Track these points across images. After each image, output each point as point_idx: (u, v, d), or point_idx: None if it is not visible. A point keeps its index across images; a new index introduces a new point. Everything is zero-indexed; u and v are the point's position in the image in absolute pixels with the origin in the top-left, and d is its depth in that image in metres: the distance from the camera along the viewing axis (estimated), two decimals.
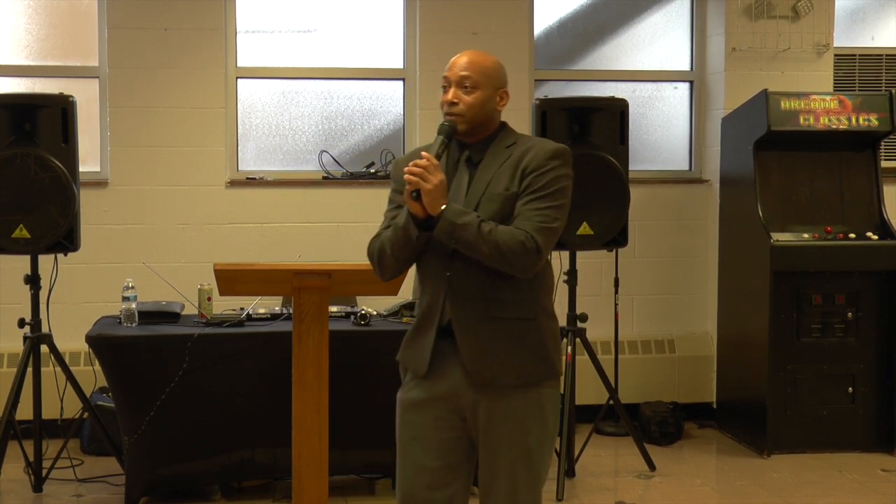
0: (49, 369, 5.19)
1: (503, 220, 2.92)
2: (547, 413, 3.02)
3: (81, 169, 5.15)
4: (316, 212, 6.23)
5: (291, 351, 3.62)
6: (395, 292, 3.72)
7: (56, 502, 4.97)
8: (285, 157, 6.38)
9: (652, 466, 5.53)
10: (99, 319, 5.11)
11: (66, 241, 4.95)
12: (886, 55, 6.76)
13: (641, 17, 6.70)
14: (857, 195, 6.00)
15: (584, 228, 5.24)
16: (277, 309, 5.11)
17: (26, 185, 4.84)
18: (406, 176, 2.88)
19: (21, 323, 5.02)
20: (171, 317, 5.00)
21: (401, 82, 6.42)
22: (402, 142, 6.42)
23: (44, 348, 5.06)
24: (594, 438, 5.72)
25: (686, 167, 6.76)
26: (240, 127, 6.30)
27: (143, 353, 4.75)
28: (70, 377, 5.06)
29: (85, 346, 4.90)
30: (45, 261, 5.11)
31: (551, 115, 5.36)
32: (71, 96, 5.04)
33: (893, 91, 5.99)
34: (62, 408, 5.31)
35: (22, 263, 5.07)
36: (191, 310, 5.12)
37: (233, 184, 6.21)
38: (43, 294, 5.06)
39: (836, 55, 6.57)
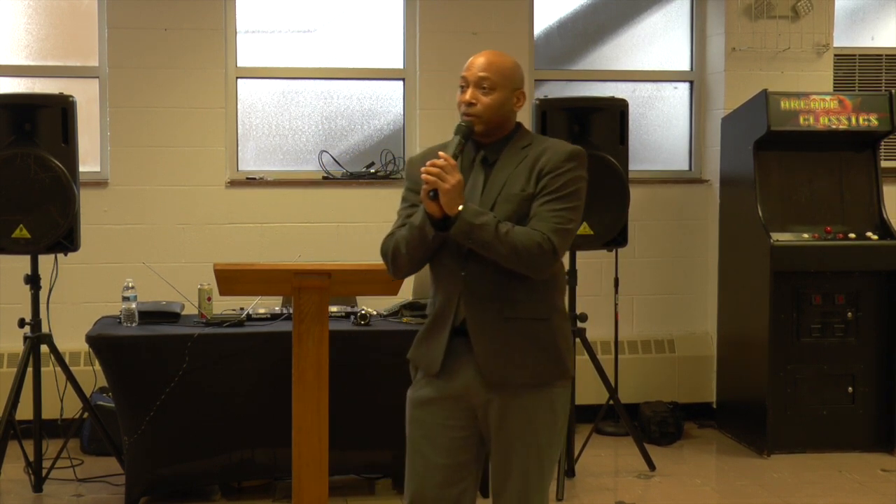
0: (49, 369, 5.20)
1: (519, 221, 2.93)
2: (557, 413, 3.04)
3: (81, 169, 5.15)
4: (316, 212, 6.23)
5: (291, 351, 3.62)
6: (395, 292, 3.72)
7: (56, 502, 4.97)
8: (285, 157, 6.38)
9: (652, 466, 5.53)
10: (99, 319, 5.11)
11: (66, 241, 4.95)
12: (886, 55, 6.76)
13: (641, 17, 6.70)
14: (857, 195, 6.00)
15: (584, 228, 5.23)
16: (277, 309, 5.11)
17: (26, 185, 4.84)
18: (423, 175, 2.88)
19: (21, 323, 5.02)
20: (171, 317, 5.00)
21: (401, 82, 6.42)
22: (402, 142, 6.42)
23: (44, 348, 5.06)
24: (594, 438, 5.72)
25: (686, 167, 6.76)
26: (240, 127, 6.30)
27: (143, 353, 4.75)
28: (70, 377, 5.06)
29: (85, 346, 4.90)
30: (45, 261, 5.10)
31: (551, 115, 5.36)
32: (71, 96, 5.04)
33: (893, 91, 5.99)
34: (62, 408, 5.31)
35: (22, 263, 5.07)
36: (191, 310, 5.12)
37: (233, 184, 6.21)
38: (43, 294, 5.06)
39: (836, 55, 6.57)
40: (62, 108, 4.97)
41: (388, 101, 6.45)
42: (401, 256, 3.03)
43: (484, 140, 3.04)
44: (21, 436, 5.07)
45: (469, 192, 2.97)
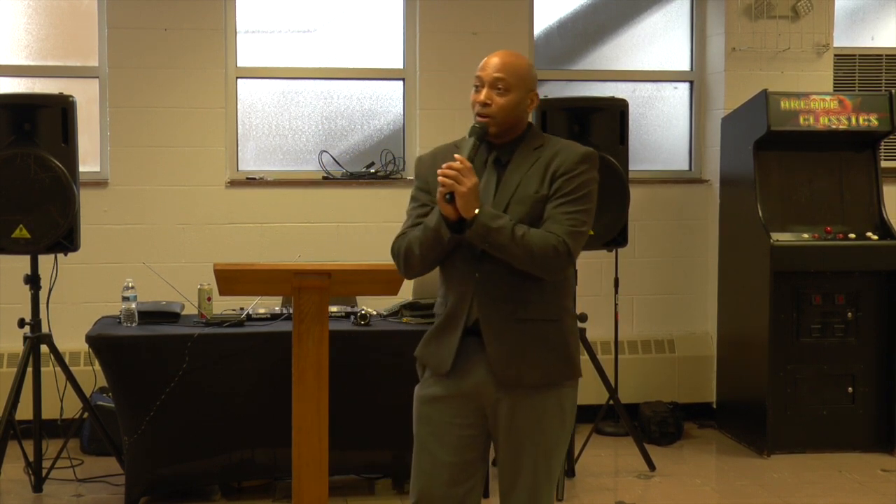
0: (49, 369, 5.20)
1: (532, 223, 2.94)
2: (566, 412, 3.06)
3: (81, 169, 5.15)
4: (316, 212, 6.23)
5: (291, 351, 3.62)
6: (395, 292, 3.72)
7: (56, 502, 4.97)
8: (285, 157, 6.38)
9: (652, 466, 5.53)
10: (99, 319, 5.11)
11: (66, 241, 4.95)
12: (886, 55, 6.76)
13: (641, 17, 6.70)
14: (857, 195, 6.00)
15: None
16: (277, 309, 5.11)
17: (26, 185, 4.84)
18: (440, 178, 2.88)
19: (21, 323, 5.02)
20: (171, 317, 5.00)
21: (401, 82, 6.42)
22: (402, 142, 6.42)
23: (44, 348, 5.06)
24: (594, 438, 5.72)
25: (686, 167, 6.76)
26: (240, 127, 6.30)
27: (143, 353, 4.75)
28: (70, 377, 5.06)
29: (85, 346, 4.90)
30: (45, 261, 5.10)
31: (551, 115, 5.36)
32: (71, 96, 5.04)
33: (893, 91, 5.99)
34: (62, 408, 5.31)
35: (22, 263, 5.07)
36: (191, 310, 5.12)
37: (233, 184, 6.21)
38: (43, 294, 5.06)
39: (835, 55, 6.57)
40: (62, 108, 4.97)
41: (388, 101, 6.45)
42: (414, 257, 3.03)
43: (496, 140, 3.04)
44: (21, 436, 5.07)
45: (482, 193, 2.96)
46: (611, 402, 5.60)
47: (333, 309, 4.88)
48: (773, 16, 6.41)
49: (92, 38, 6.14)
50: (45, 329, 5.06)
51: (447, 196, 2.88)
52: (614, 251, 5.80)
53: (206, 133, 6.16)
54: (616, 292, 5.93)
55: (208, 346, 4.74)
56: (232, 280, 3.70)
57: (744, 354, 6.09)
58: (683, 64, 6.74)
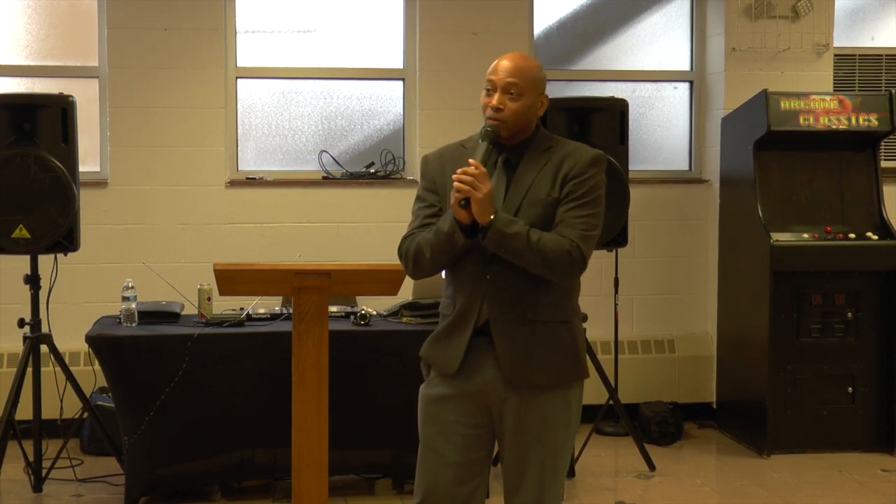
0: (49, 369, 5.19)
1: (544, 226, 2.95)
2: (572, 412, 3.08)
3: (81, 169, 5.15)
4: (316, 212, 6.23)
5: (291, 351, 3.62)
6: (395, 292, 3.72)
7: (56, 502, 4.97)
8: (285, 157, 6.38)
9: (652, 466, 5.53)
10: (99, 319, 5.11)
11: (66, 241, 4.95)
12: (886, 55, 6.76)
13: (641, 17, 6.70)
14: (857, 195, 6.00)
15: None
16: (277, 309, 5.11)
17: (26, 185, 4.84)
18: (456, 184, 2.88)
19: (21, 323, 5.02)
20: (170, 317, 5.00)
21: (401, 82, 6.42)
22: (401, 142, 6.42)
23: (44, 348, 5.06)
24: (594, 438, 5.72)
25: (686, 167, 6.76)
26: (240, 127, 6.30)
27: (143, 353, 4.75)
28: (70, 377, 5.06)
29: (85, 346, 4.90)
30: (45, 261, 5.10)
31: (551, 115, 5.33)
32: (71, 96, 5.04)
33: (893, 91, 5.99)
34: (62, 408, 5.30)
35: (22, 263, 5.07)
36: (191, 310, 5.12)
37: (233, 184, 6.21)
38: (43, 294, 5.06)
39: (835, 55, 6.57)
40: (62, 108, 4.97)
41: (388, 101, 6.45)
42: (424, 259, 3.03)
43: (506, 142, 3.04)
44: (21, 436, 5.07)
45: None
46: (611, 402, 5.60)
47: (333, 309, 4.88)
48: (773, 16, 6.41)
49: (92, 38, 6.14)
50: (45, 329, 5.05)
51: (462, 202, 2.88)
52: (614, 251, 5.80)
53: (206, 133, 6.16)
54: (616, 292, 5.93)
55: (208, 346, 4.74)
56: (232, 280, 3.70)
57: (744, 354, 6.09)
58: (683, 64, 6.74)
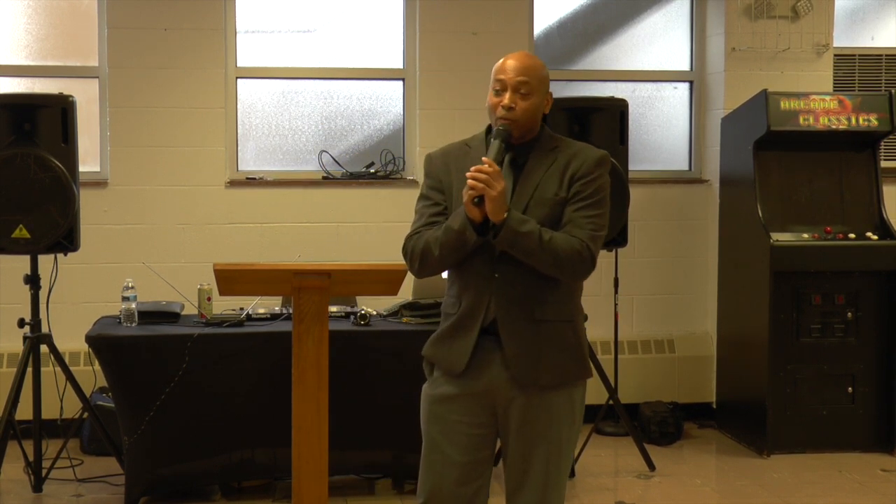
0: (49, 369, 5.19)
1: (551, 225, 2.96)
2: (576, 411, 3.09)
3: (81, 169, 5.15)
4: (316, 212, 6.23)
5: (291, 351, 3.62)
6: (395, 292, 3.71)
7: (56, 502, 4.97)
8: (285, 157, 6.38)
9: (652, 466, 5.53)
10: (99, 319, 5.11)
11: (66, 241, 4.95)
12: (886, 55, 6.76)
13: (641, 17, 6.70)
14: (857, 195, 6.00)
15: None
16: (277, 309, 5.11)
17: (26, 185, 4.84)
18: (470, 182, 2.88)
19: (21, 323, 5.02)
20: (170, 317, 5.00)
21: (401, 82, 6.42)
22: (401, 142, 6.42)
23: (43, 348, 5.06)
24: (594, 438, 5.72)
25: (686, 167, 6.76)
26: (240, 127, 6.30)
27: (143, 353, 4.75)
28: (70, 377, 5.06)
29: (85, 346, 4.90)
30: (45, 261, 5.10)
31: (551, 115, 5.20)
32: (71, 96, 5.04)
33: (893, 91, 5.99)
34: (62, 408, 5.30)
35: (22, 263, 5.07)
36: (191, 310, 5.12)
37: (233, 184, 6.21)
38: (43, 294, 5.06)
39: (835, 55, 6.57)
40: (62, 108, 4.97)
41: (387, 101, 6.45)
42: (432, 258, 3.02)
43: (514, 142, 3.04)
44: (21, 436, 5.07)
45: None
46: (611, 402, 5.60)
47: (333, 309, 4.88)
48: (773, 16, 6.41)
49: (92, 38, 6.14)
50: (45, 329, 5.06)
51: (475, 199, 2.88)
52: (614, 251, 5.80)
53: (206, 133, 6.16)
54: (616, 292, 5.93)
55: (208, 346, 4.74)
56: (232, 280, 3.69)
57: (744, 354, 6.09)
58: (683, 64, 6.74)
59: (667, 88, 6.74)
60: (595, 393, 5.73)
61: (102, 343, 4.73)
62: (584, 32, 6.67)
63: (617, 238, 5.45)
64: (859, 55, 6.73)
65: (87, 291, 5.95)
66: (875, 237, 5.88)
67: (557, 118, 5.33)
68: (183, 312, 5.08)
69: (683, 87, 6.75)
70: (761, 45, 6.42)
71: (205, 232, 6.15)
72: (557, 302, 3.01)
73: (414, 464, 3.18)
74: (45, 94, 5.42)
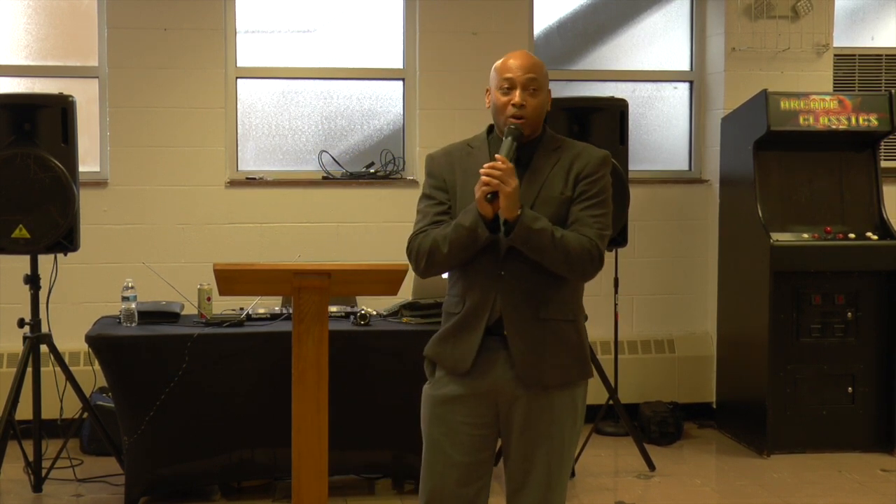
0: (49, 369, 5.19)
1: (558, 224, 2.96)
2: (578, 411, 3.10)
3: (81, 169, 5.15)
4: (316, 212, 6.23)
5: (291, 351, 3.62)
6: (395, 292, 3.71)
7: (56, 502, 4.97)
8: (285, 157, 6.38)
9: (652, 466, 5.53)
10: (99, 319, 5.11)
11: (66, 241, 4.95)
12: (886, 55, 6.76)
13: (641, 17, 6.70)
14: (857, 195, 6.00)
15: None
16: (277, 309, 5.11)
17: (26, 185, 4.84)
18: (484, 178, 2.88)
19: (21, 323, 5.02)
20: (170, 317, 5.00)
21: (401, 82, 6.42)
22: (401, 142, 6.42)
23: (43, 348, 5.06)
24: (594, 438, 5.72)
25: (686, 167, 6.76)
26: (240, 127, 6.30)
27: (143, 353, 4.75)
28: (70, 377, 5.06)
29: (85, 346, 4.90)
30: (45, 261, 5.10)
31: (551, 115, 5.20)
32: (71, 96, 5.04)
33: (893, 91, 5.99)
34: (62, 408, 5.30)
35: (22, 263, 5.07)
36: (191, 310, 5.12)
37: (233, 184, 6.21)
38: (43, 294, 5.06)
39: (835, 55, 6.57)
40: (62, 108, 4.97)
41: (387, 101, 6.45)
42: (440, 255, 3.01)
43: (523, 139, 3.04)
44: (21, 436, 5.07)
45: None
46: (611, 402, 5.60)
47: (333, 309, 4.88)
48: (772, 16, 6.41)
49: (92, 38, 6.14)
50: (44, 329, 5.06)
51: (489, 196, 2.88)
52: (614, 251, 5.80)
53: (206, 133, 6.16)
54: (616, 292, 5.93)
55: (208, 346, 4.74)
56: (232, 280, 3.69)
57: (744, 354, 6.09)
58: (683, 64, 6.74)
59: (667, 88, 6.74)
60: (595, 393, 5.71)
61: (102, 343, 4.73)
62: (584, 32, 6.67)
63: (617, 238, 5.45)
64: (859, 55, 6.73)
65: (87, 291, 5.95)
66: (875, 237, 5.88)
67: (557, 118, 5.33)
68: (183, 312, 5.08)
69: (683, 87, 6.75)
70: (761, 45, 6.42)
71: (205, 232, 6.15)
72: (562, 301, 3.02)
73: (414, 464, 3.18)
74: (45, 94, 5.42)
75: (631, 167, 5.64)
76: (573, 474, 5.35)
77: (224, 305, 5.15)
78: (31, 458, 5.06)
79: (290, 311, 4.18)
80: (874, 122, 5.91)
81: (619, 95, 5.77)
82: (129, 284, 4.96)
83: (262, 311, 5.03)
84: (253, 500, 4.99)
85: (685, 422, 6.26)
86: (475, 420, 3.05)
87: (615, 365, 6.09)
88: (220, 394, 4.79)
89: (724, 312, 6.34)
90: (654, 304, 6.60)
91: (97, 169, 6.13)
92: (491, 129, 3.15)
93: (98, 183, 6.05)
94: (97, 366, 4.95)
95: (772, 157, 5.98)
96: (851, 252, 5.85)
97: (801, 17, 6.43)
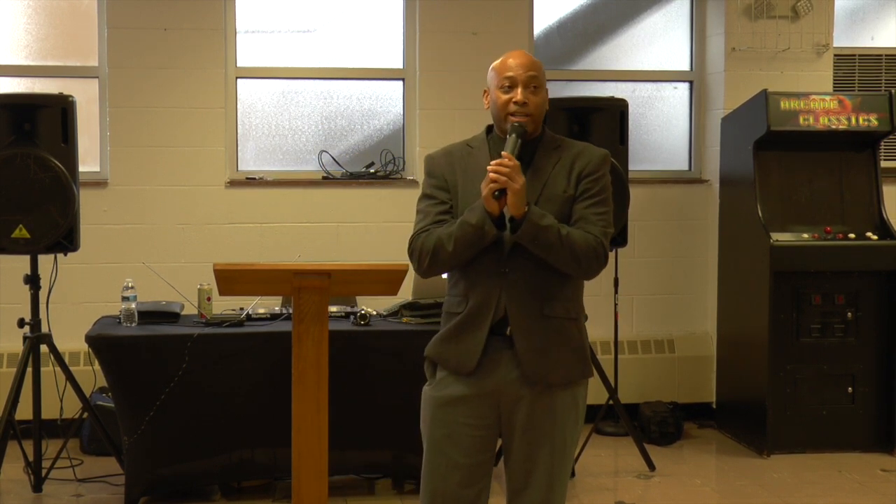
0: (49, 369, 5.19)
1: (561, 222, 2.96)
2: (579, 410, 3.10)
3: (81, 169, 5.15)
4: (316, 212, 6.23)
5: (291, 351, 3.62)
6: (395, 292, 3.71)
7: (56, 502, 4.97)
8: (285, 157, 6.38)
9: (652, 466, 5.54)
10: (99, 319, 5.11)
11: (66, 241, 4.95)
12: (886, 55, 6.76)
13: (641, 17, 6.70)
14: (857, 195, 6.00)
15: None
16: (277, 309, 5.11)
17: (26, 185, 4.84)
18: (492, 175, 2.88)
19: (21, 323, 5.02)
20: (170, 317, 5.00)
21: (400, 82, 6.42)
22: (401, 142, 6.42)
23: (43, 348, 5.06)
24: (594, 438, 5.72)
25: (686, 167, 6.76)
26: (240, 127, 6.30)
27: (143, 353, 4.75)
28: (70, 377, 5.06)
29: (85, 346, 4.90)
30: (45, 261, 5.10)
31: (551, 115, 5.25)
32: (71, 96, 5.04)
33: (893, 91, 5.99)
34: (62, 408, 5.30)
35: (22, 263, 5.07)
36: (191, 310, 5.12)
37: (233, 184, 6.21)
38: (43, 294, 5.06)
39: (835, 55, 6.57)
40: (62, 108, 4.97)
41: (387, 101, 6.45)
42: (444, 254, 3.00)
43: (527, 137, 3.05)
44: (21, 436, 5.07)
45: None
46: (611, 402, 5.60)
47: (333, 309, 4.88)
48: (772, 16, 6.41)
49: (92, 38, 6.14)
50: (44, 329, 5.06)
51: (496, 193, 2.88)
52: (614, 251, 5.80)
53: (206, 133, 6.16)
54: (616, 292, 5.93)
55: (208, 346, 4.74)
56: (232, 280, 3.69)
57: (744, 354, 6.09)
58: (683, 64, 6.74)
59: (667, 88, 6.74)
60: (595, 393, 5.70)
61: (102, 343, 4.73)
62: (584, 32, 6.67)
63: (617, 238, 5.45)
64: (859, 55, 6.73)
65: (87, 291, 5.95)
66: (875, 237, 5.88)
67: (557, 118, 5.33)
68: (183, 312, 5.08)
69: (683, 87, 6.75)
70: (761, 45, 6.42)
71: (205, 232, 6.15)
72: (565, 299, 3.02)
73: (414, 464, 3.18)
74: (45, 94, 5.42)
75: (631, 167, 5.64)
76: (573, 474, 5.35)
77: (224, 305, 5.15)
78: (31, 458, 5.06)
79: (290, 311, 4.18)
80: (874, 122, 5.91)
81: (619, 95, 5.77)
82: (129, 284, 4.96)
83: (262, 311, 5.03)
84: (253, 500, 4.99)
85: (685, 422, 6.26)
86: (477, 421, 3.05)
87: (615, 365, 6.09)
88: (220, 394, 4.79)
89: (724, 312, 6.34)
90: (654, 304, 6.61)
91: (97, 169, 6.13)
92: (490, 129, 3.15)
93: (98, 183, 6.05)
94: (97, 366, 4.95)
95: (772, 157, 5.98)
96: (851, 252, 5.85)
97: (801, 17, 6.43)
